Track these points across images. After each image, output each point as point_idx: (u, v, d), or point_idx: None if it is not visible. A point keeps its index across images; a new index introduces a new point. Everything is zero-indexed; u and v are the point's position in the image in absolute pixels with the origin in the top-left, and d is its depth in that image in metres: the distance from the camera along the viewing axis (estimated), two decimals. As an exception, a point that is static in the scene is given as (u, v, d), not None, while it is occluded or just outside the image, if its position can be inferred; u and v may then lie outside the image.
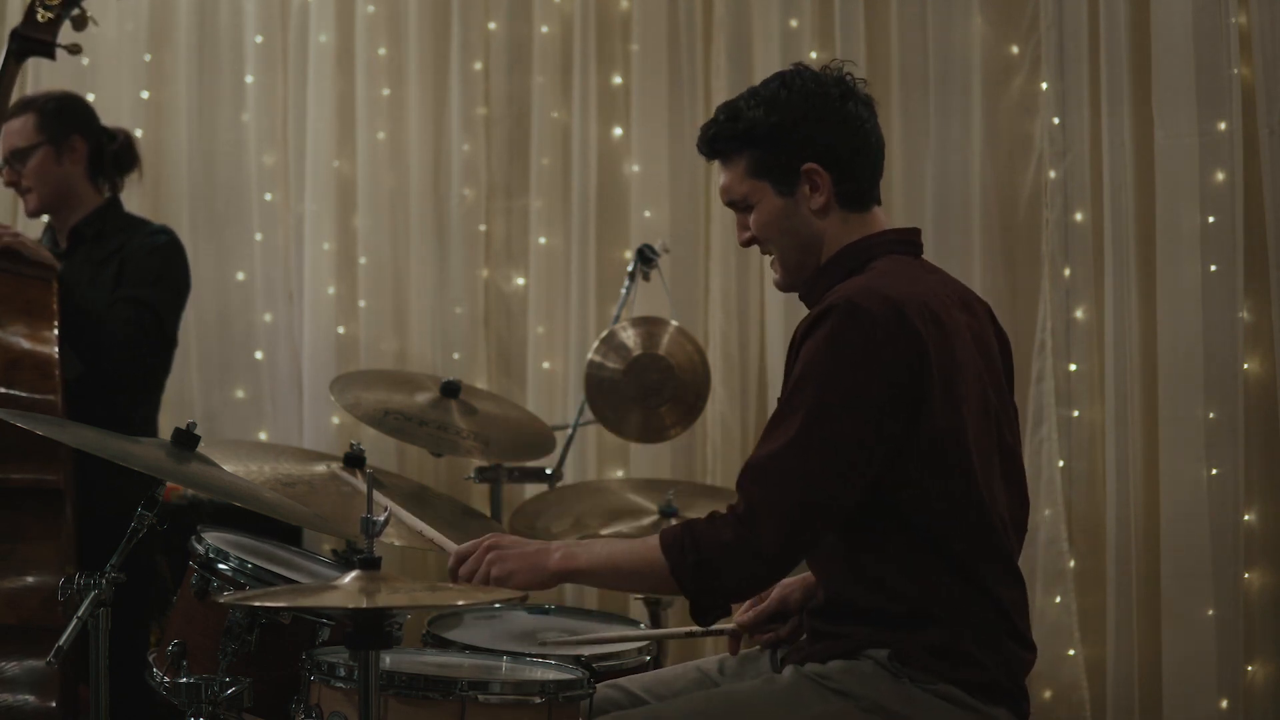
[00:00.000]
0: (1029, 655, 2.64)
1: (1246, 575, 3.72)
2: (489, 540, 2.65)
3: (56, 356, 3.66)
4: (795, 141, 2.64)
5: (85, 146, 4.20)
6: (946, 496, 2.53)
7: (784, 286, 2.79)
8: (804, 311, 2.68)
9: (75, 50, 3.90)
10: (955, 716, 2.53)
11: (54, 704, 3.40)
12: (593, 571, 2.62)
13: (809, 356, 2.53)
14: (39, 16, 3.85)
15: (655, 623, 3.66)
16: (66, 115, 4.19)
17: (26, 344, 3.66)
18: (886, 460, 2.50)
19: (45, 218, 4.30)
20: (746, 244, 2.76)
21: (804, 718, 2.53)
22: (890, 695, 2.53)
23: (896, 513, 2.54)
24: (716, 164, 2.76)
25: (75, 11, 3.87)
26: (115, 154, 4.26)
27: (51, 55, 3.90)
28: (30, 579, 3.47)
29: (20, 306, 3.72)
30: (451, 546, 2.76)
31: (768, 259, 2.76)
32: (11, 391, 3.59)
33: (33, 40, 3.85)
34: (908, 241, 2.73)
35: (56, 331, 3.69)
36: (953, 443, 2.53)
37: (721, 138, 2.70)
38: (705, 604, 2.56)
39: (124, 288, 4.07)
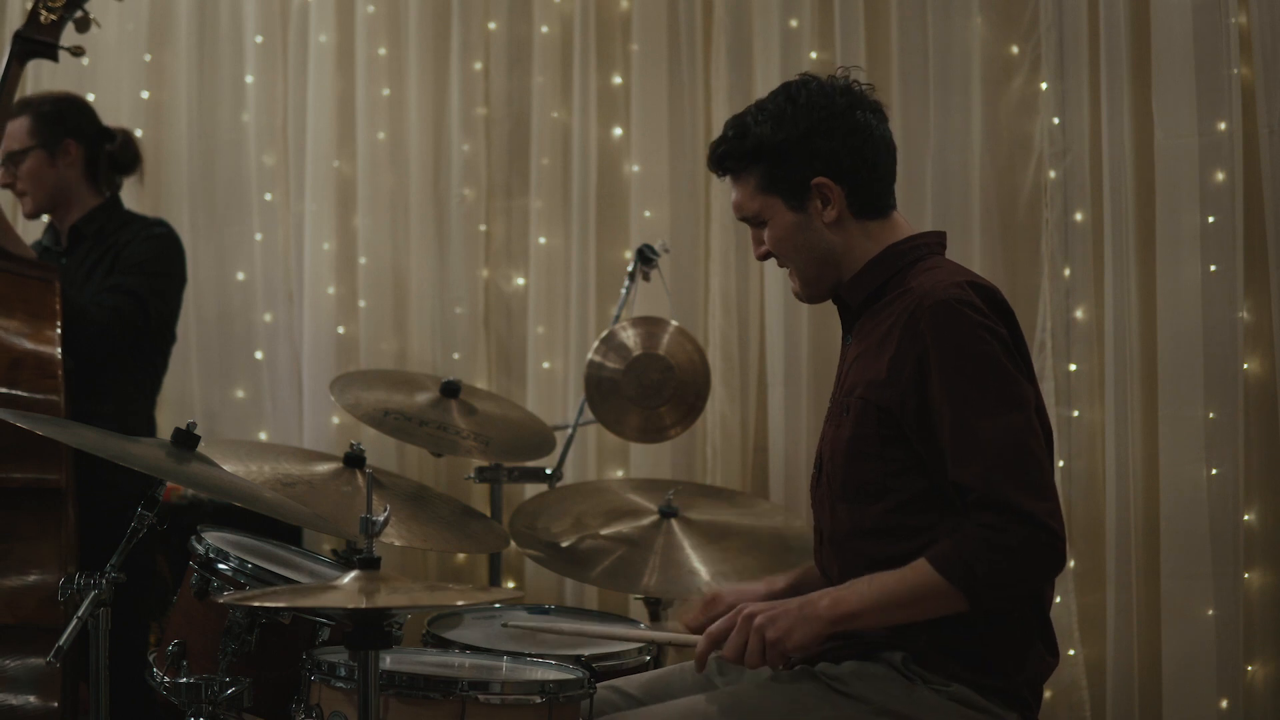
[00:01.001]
0: (1054, 660, 2.64)
1: (1246, 575, 3.71)
2: (744, 611, 2.51)
3: (58, 356, 3.66)
4: (803, 156, 2.63)
5: (80, 150, 4.18)
6: None
7: (804, 298, 2.78)
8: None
9: (78, 52, 3.90)
10: (967, 719, 2.53)
11: (55, 704, 3.40)
12: (867, 610, 2.49)
13: (948, 363, 2.49)
14: (42, 18, 3.85)
15: (655, 624, 3.65)
16: (62, 119, 4.17)
17: (28, 344, 3.66)
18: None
19: (46, 217, 4.30)
20: (763, 258, 2.75)
21: (811, 720, 2.53)
22: (900, 699, 2.53)
23: (941, 509, 2.52)
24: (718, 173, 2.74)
25: (78, 13, 3.88)
26: (114, 154, 4.25)
27: (54, 57, 3.90)
28: (29, 578, 3.47)
29: (21, 306, 3.72)
30: (691, 638, 2.64)
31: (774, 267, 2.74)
32: (13, 391, 3.59)
33: (36, 42, 3.86)
34: (941, 244, 2.75)
35: (59, 331, 3.70)
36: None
37: (730, 155, 2.69)
38: (993, 607, 2.50)
39: (113, 276, 4.07)
